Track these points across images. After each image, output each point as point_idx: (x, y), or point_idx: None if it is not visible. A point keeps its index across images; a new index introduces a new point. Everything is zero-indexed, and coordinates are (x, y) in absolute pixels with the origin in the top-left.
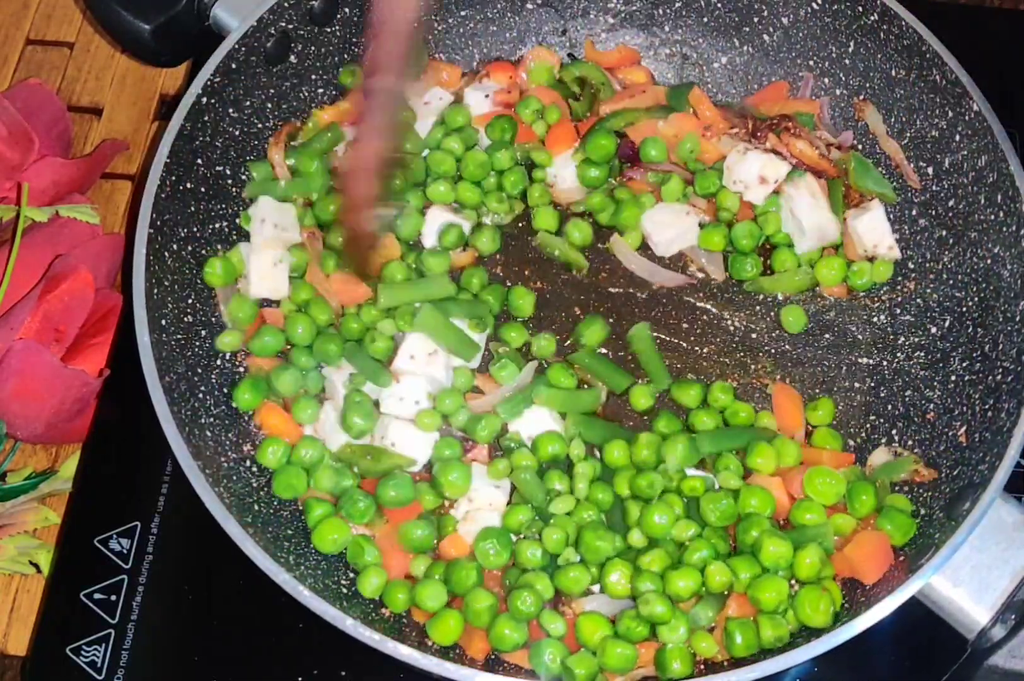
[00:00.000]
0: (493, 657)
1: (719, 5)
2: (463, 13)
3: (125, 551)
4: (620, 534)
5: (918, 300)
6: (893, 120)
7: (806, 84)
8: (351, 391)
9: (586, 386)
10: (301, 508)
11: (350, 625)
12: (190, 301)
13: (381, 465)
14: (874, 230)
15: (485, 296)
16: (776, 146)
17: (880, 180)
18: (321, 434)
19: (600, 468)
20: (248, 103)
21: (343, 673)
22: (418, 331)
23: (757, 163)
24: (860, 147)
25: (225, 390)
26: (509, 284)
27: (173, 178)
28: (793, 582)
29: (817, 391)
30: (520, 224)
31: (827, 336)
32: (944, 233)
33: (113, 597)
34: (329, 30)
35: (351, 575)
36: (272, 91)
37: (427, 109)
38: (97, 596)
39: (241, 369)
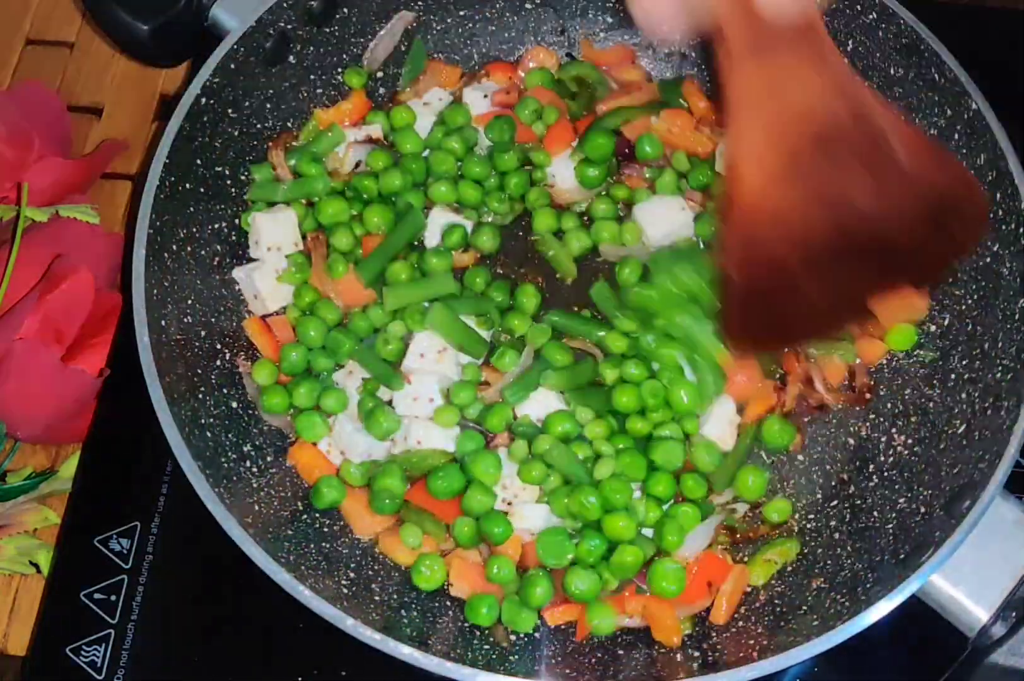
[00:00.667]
0: (494, 657)
1: None
2: (462, 13)
3: (125, 551)
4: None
5: None
6: None
7: None
8: (364, 396)
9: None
10: (301, 508)
11: (350, 625)
12: (190, 301)
13: (424, 465)
14: None
15: (492, 293)
16: None
17: None
18: (338, 446)
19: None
20: (247, 103)
21: (343, 673)
22: (431, 329)
23: None
24: None
25: (225, 390)
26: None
27: (173, 178)
28: None
29: None
30: (521, 223)
31: None
32: None
33: (113, 597)
34: (328, 30)
35: (351, 575)
36: (271, 91)
37: (427, 109)
38: (97, 596)
39: (240, 370)
